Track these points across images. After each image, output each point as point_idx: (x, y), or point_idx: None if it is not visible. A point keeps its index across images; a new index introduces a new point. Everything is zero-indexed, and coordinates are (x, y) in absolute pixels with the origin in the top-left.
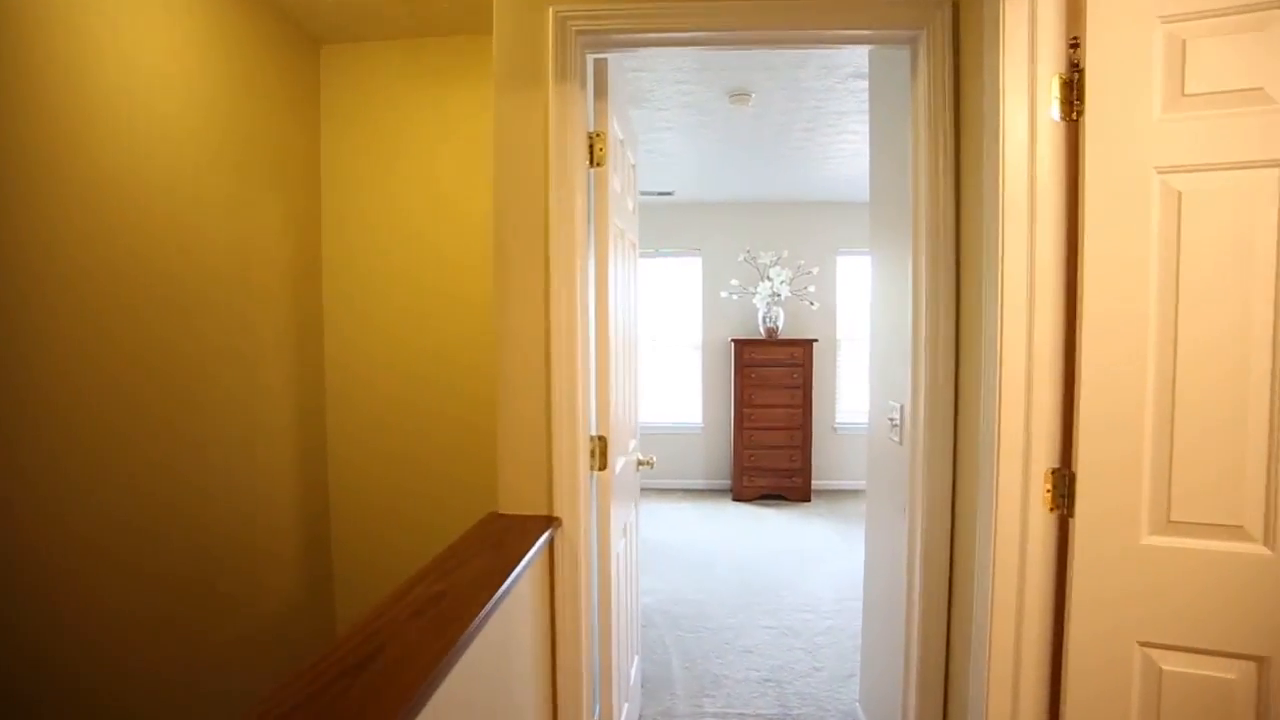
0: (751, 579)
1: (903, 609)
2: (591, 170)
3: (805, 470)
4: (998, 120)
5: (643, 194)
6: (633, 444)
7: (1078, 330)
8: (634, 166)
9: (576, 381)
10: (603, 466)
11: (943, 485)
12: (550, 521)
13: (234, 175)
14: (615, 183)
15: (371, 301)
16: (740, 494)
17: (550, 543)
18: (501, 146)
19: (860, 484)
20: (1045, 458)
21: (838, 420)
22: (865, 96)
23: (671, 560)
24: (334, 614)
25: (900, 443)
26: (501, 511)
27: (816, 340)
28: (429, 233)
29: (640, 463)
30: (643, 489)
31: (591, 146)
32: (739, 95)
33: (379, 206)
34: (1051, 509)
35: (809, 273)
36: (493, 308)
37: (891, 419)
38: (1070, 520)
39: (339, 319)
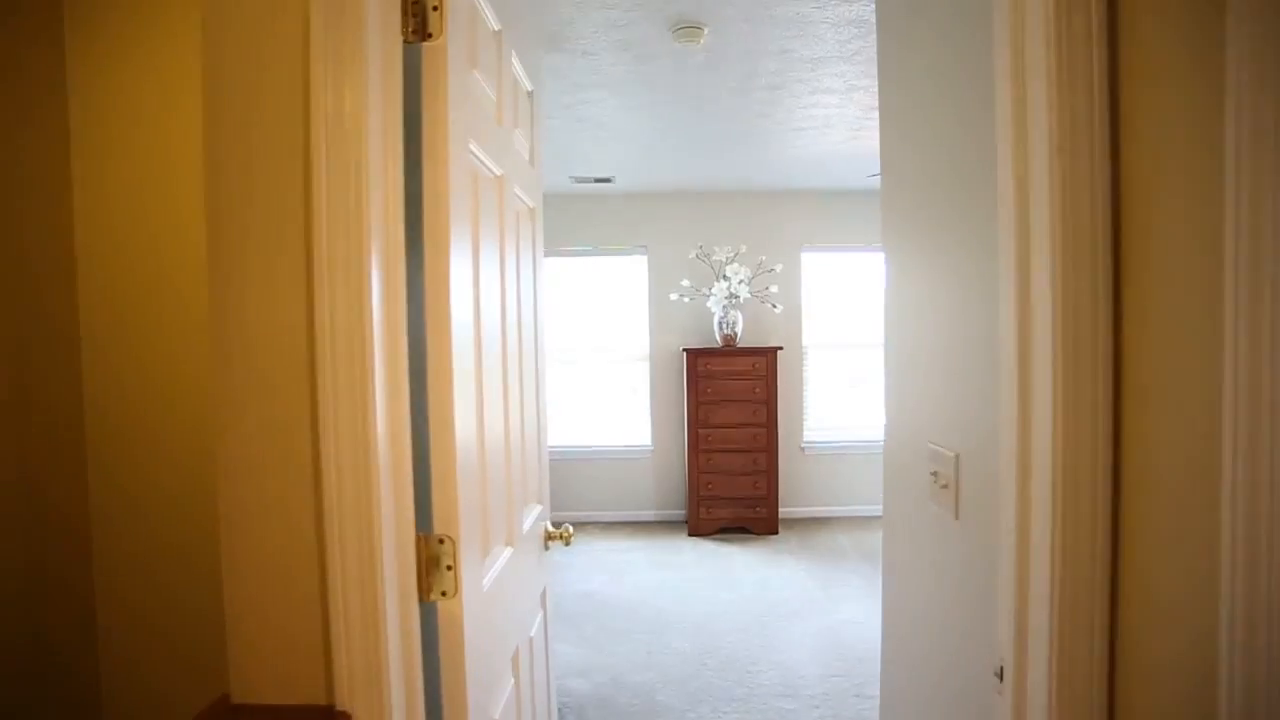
0: (714, 646)
1: None
2: (419, 47)
3: (771, 498)
4: None
5: (578, 181)
6: (531, 517)
7: None
8: (531, 94)
9: (372, 446)
10: (452, 590)
11: (1087, 639)
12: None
13: None
14: (478, 85)
15: (162, 313)
16: (697, 528)
17: None
18: None
19: (834, 510)
20: None
21: (806, 439)
22: (849, 34)
23: (613, 622)
24: None
25: (956, 516)
26: (238, 701)
27: (781, 348)
28: None
29: (550, 536)
30: (583, 523)
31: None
32: (687, 29)
33: (168, 163)
34: None
35: (771, 270)
36: (207, 313)
37: (935, 474)
38: None
39: (108, 338)
